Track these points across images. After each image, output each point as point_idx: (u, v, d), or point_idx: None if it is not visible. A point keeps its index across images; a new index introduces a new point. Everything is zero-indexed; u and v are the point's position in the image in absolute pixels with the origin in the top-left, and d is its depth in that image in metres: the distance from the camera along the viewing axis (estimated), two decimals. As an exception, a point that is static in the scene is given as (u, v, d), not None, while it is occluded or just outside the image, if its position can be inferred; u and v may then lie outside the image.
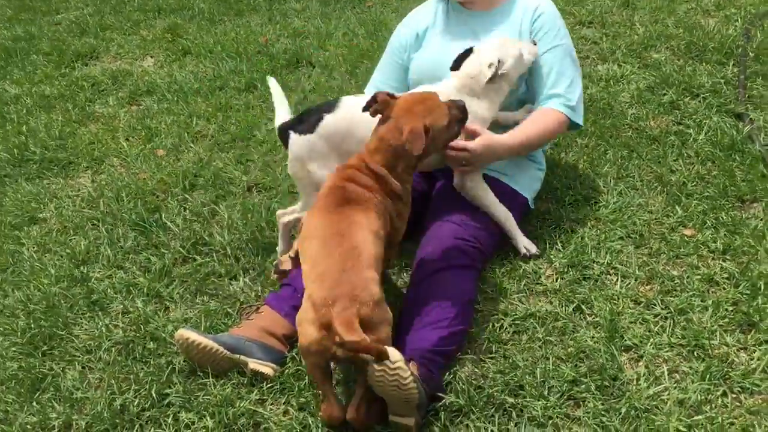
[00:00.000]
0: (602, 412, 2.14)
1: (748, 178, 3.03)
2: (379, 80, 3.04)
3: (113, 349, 2.56)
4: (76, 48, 5.37)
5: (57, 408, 2.35)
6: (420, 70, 2.87)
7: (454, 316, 2.36)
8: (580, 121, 2.82)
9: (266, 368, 2.36)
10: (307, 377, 2.34)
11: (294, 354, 2.44)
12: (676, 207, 2.91)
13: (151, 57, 5.16)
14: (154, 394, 2.34)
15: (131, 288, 2.84)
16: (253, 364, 2.35)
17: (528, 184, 2.87)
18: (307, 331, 2.06)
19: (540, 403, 2.19)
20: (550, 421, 2.14)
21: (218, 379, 2.36)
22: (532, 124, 2.70)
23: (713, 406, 2.13)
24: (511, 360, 2.35)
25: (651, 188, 3.06)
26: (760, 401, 2.14)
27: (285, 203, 3.20)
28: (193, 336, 2.33)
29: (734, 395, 2.17)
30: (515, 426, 2.14)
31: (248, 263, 2.90)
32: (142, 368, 2.46)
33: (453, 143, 2.47)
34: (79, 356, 2.56)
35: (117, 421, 2.28)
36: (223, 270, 2.88)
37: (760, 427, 2.05)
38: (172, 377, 2.40)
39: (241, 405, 2.27)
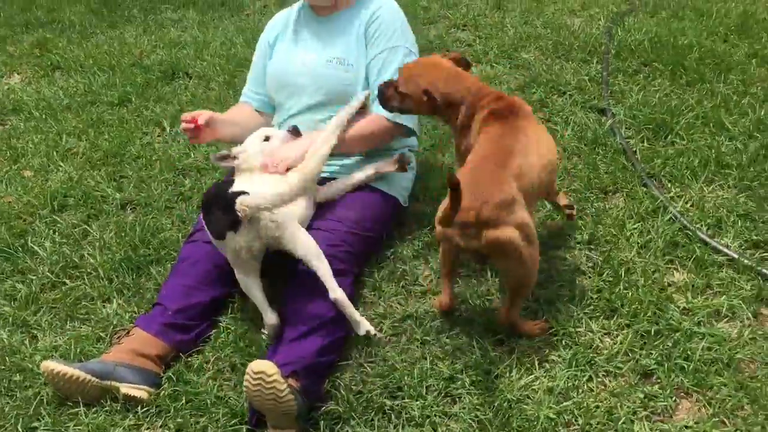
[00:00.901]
0: (477, 407, 2.20)
1: (611, 170, 3.18)
2: (247, 89, 3.02)
3: (-25, 385, 2.43)
4: (-65, 66, 5.05)
5: None
6: (271, 79, 2.85)
7: (332, 324, 2.36)
8: (410, 124, 2.75)
9: (140, 392, 2.28)
10: (184, 398, 2.30)
11: (170, 374, 2.39)
12: (545, 202, 3.01)
13: (18, 74, 4.91)
14: (20, 429, 2.24)
15: (-5, 319, 2.69)
16: (126, 389, 2.27)
17: (397, 182, 2.84)
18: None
19: (418, 403, 2.22)
20: (428, 420, 2.18)
21: (90, 407, 2.28)
22: (354, 129, 2.67)
23: (580, 391, 2.23)
24: (390, 362, 2.37)
25: (522, 184, 3.15)
26: (622, 383, 2.25)
27: (161, 219, 3.12)
28: (58, 367, 2.23)
29: (599, 379, 2.27)
30: (394, 428, 2.17)
31: (122, 284, 2.80)
32: (8, 402, 2.35)
33: None
34: (-63, 395, 2.41)
35: (-20, 461, 2.17)
36: (96, 293, 2.77)
37: (623, 407, 2.15)
38: (40, 409, 2.30)
39: (115, 432, 2.20)
